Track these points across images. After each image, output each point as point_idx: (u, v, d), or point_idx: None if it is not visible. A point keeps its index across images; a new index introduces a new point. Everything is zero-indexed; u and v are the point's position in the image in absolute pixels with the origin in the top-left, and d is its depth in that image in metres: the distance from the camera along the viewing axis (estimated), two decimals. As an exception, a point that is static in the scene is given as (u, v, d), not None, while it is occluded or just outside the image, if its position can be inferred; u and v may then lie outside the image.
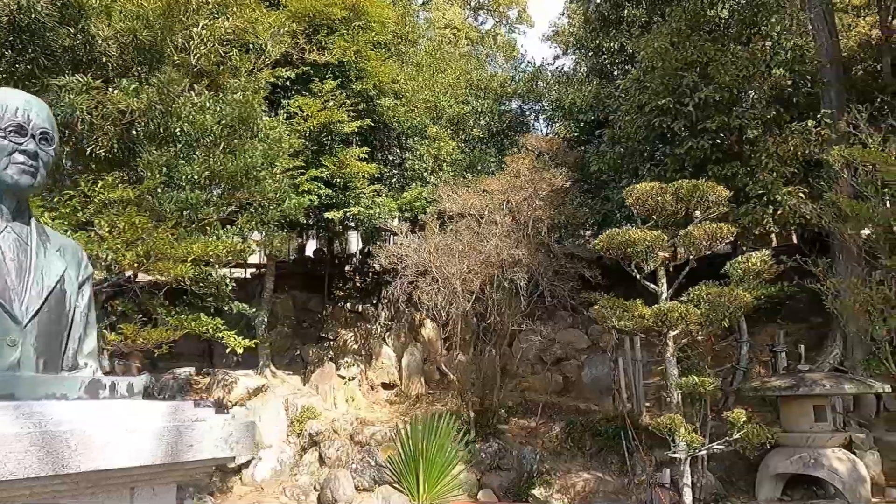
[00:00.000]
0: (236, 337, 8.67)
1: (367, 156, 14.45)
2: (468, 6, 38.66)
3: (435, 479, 7.18)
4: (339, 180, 13.93)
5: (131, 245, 7.36)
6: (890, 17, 16.36)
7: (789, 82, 12.05)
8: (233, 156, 8.97)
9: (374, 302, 17.23)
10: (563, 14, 28.43)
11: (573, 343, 17.64)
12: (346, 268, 19.19)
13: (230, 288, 8.92)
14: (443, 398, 15.64)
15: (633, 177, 12.46)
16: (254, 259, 18.10)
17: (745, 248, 12.54)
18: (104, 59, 7.77)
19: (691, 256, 8.56)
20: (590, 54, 18.61)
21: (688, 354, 11.84)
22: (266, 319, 15.29)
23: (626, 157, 13.16)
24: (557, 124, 17.87)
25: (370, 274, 16.67)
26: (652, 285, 8.95)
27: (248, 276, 20.46)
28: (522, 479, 12.00)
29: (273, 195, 9.41)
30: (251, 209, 9.40)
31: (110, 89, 7.72)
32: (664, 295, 8.71)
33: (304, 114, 13.59)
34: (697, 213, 8.73)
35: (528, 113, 17.59)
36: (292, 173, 14.17)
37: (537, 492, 11.67)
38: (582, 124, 16.88)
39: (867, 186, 8.37)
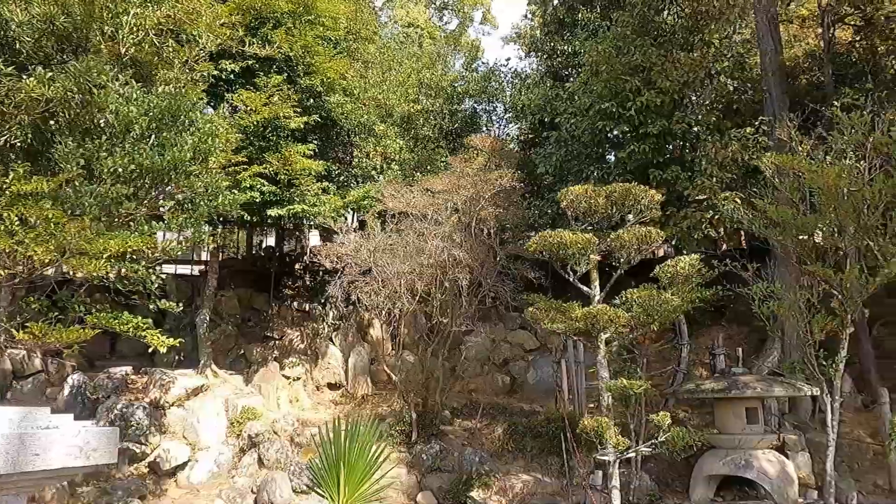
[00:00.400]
0: (159, 336, 8.39)
1: (313, 153, 14.23)
2: (433, 5, 38.51)
3: (356, 483, 7.04)
4: (283, 177, 13.67)
5: (43, 240, 7.05)
6: (832, 30, 16.79)
7: (731, 89, 12.25)
8: (161, 149, 8.69)
9: (322, 301, 16.99)
10: (525, 16, 28.55)
11: (522, 344, 17.69)
12: (297, 266, 18.90)
13: (156, 286, 8.62)
14: (389, 399, 15.50)
15: (579, 179, 12.51)
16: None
17: (686, 252, 12.67)
18: (18, 45, 7.43)
19: (622, 260, 8.60)
20: (545, 57, 18.69)
21: (633, 356, 11.97)
22: (208, 317, 14.94)
23: (571, 159, 13.21)
24: (511, 126, 17.89)
25: (319, 272, 16.41)
26: (585, 287, 8.98)
27: (196, 273, 20.02)
28: (462, 481, 11.93)
29: (203, 191, 9.13)
30: (180, 204, 9.13)
31: (24, 77, 7.38)
32: (597, 297, 8.73)
33: (248, 108, 13.30)
34: (630, 216, 8.78)
35: (480, 113, 17.57)
36: (235, 169, 13.87)
37: (476, 494, 11.62)
38: (533, 126, 16.93)
39: (793, 193, 8.53)
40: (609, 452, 8.50)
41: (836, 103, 9.35)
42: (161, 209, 9.12)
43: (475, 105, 17.52)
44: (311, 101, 14.78)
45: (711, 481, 11.16)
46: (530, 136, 16.32)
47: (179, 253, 11.98)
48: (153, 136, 8.81)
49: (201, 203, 9.42)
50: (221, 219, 11.83)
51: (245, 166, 12.89)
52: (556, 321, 8.57)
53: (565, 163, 13.29)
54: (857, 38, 17.42)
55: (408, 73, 15.67)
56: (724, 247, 20.18)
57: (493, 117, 17.89)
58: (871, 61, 15.36)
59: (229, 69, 13.54)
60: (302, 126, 14.06)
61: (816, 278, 8.53)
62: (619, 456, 8.51)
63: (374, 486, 7.00)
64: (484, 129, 17.99)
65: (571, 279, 8.87)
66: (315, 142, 15.00)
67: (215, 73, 13.53)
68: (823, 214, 8.32)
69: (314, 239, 21.34)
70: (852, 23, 17.65)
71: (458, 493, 11.80)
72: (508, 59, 44.04)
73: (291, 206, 13.68)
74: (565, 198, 8.91)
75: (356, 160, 14.77)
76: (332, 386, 16.25)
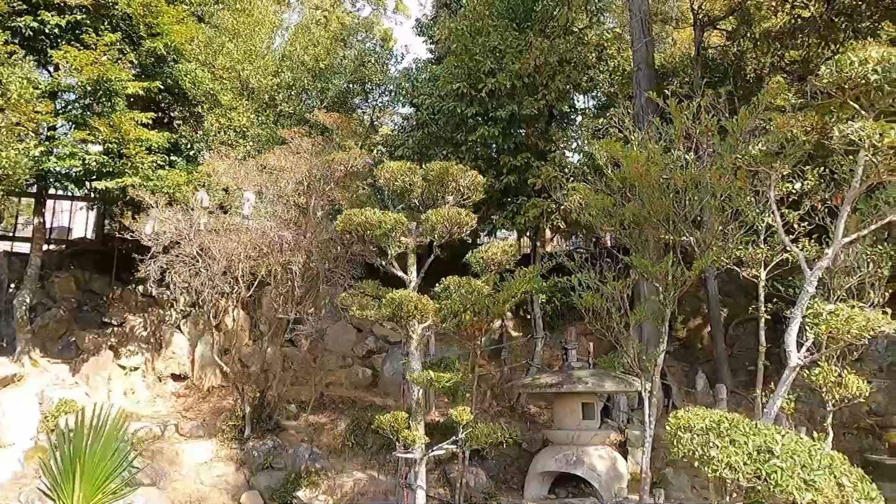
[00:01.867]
0: None
1: (152, 121, 13.00)
2: (345, -10, 37.26)
3: (97, 486, 6.11)
4: (113, 146, 12.38)
5: None
6: (702, 32, 17.05)
7: (584, 78, 11.99)
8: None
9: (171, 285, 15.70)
10: (420, 3, 27.93)
11: (388, 336, 17.03)
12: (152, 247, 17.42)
13: None
14: (249, 392, 14.49)
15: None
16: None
17: (552, 240, 12.32)
18: None
19: (434, 242, 8.04)
20: (429, 41, 18.11)
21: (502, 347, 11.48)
22: (28, 300, 13.42)
23: (429, 143, 12.64)
24: (388, 109, 17.16)
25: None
26: (402, 273, 8.38)
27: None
28: (289, 480, 11.14)
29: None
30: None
31: None
32: (412, 283, 8.14)
33: (72, 66, 11.94)
34: (450, 197, 8.24)
35: (356, 95, 16.72)
36: (52, 133, 12.47)
37: (302, 493, 10.85)
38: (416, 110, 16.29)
39: (615, 181, 8.24)
40: (416, 450, 7.94)
41: (696, 101, 9.08)
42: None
43: (350, 85, 16.63)
44: (156, 66, 13.53)
45: (546, 478, 10.86)
46: (401, 117, 15.67)
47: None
48: None
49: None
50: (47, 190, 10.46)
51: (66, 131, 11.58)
52: (367, 308, 7.91)
53: (423, 146, 12.70)
54: (727, 43, 17.80)
55: (267, 43, 14.62)
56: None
57: (370, 100, 17.09)
58: (735, 65, 15.66)
59: (53, 22, 12.13)
60: (142, 92, 12.81)
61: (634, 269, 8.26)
62: (425, 454, 7.95)
63: (113, 488, 6.08)
64: (359, 110, 17.18)
65: (383, 263, 8.25)
66: (159, 111, 13.77)
67: (34, 25, 12.13)
68: (643, 203, 8.05)
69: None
70: (724, 28, 18.05)
71: (284, 493, 11.00)
72: (406, 45, 43.36)
73: (122, 179, 12.40)
74: (381, 174, 8.26)
75: (206, 133, 13.62)
76: (176, 377, 15.03)
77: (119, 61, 12.37)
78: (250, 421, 12.24)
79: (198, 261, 10.23)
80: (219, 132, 13.52)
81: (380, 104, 17.05)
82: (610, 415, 13.13)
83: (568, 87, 11.43)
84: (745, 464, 4.70)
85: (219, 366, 15.38)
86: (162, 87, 13.31)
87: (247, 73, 13.79)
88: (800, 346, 6.15)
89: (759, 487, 4.59)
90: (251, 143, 13.92)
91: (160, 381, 14.93)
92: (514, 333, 17.47)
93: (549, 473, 10.84)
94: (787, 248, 6.23)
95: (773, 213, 6.11)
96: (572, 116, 13.02)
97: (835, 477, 4.83)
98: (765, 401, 8.23)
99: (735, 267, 8.77)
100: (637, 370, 8.86)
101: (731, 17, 16.78)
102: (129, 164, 12.48)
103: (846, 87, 5.40)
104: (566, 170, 11.00)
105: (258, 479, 11.53)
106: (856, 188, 5.57)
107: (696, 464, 4.97)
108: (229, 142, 13.87)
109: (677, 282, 8.20)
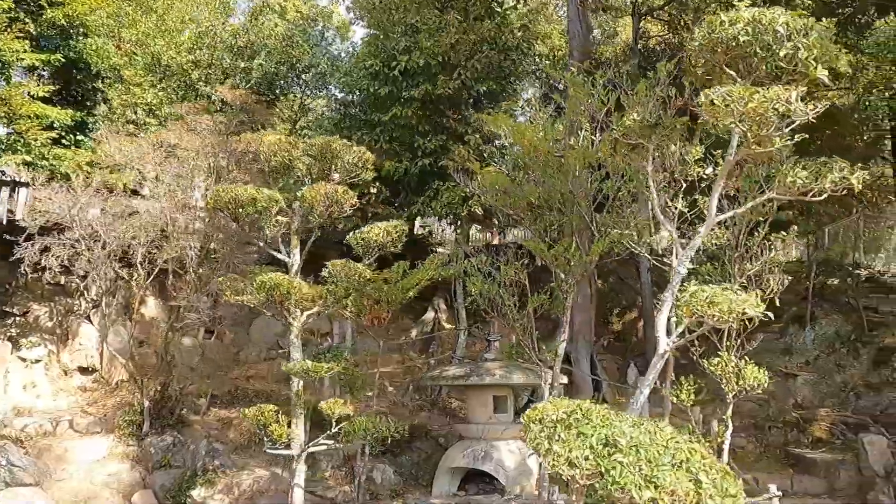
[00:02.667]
0: None
1: (51, 96, 12.17)
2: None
3: None
4: (2, 121, 11.54)
5: None
6: (640, 20, 16.79)
7: (505, 60, 11.52)
8: None
9: (83, 274, 14.84)
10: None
11: (319, 328, 16.43)
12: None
13: None
14: (150, 385, 13.73)
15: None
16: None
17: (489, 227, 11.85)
18: None
19: (314, 223, 7.47)
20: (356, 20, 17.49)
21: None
22: (-88, 286, 12.50)
23: (344, 125, 12.06)
24: (318, 91, 16.50)
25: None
26: (283, 255, 7.81)
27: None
28: (186, 478, 10.49)
29: None
30: None
31: None
32: (294, 267, 7.58)
33: (-46, 34, 11.07)
34: (336, 175, 7.70)
35: (281, 75, 15.99)
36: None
37: (197, 493, 10.21)
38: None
39: (515, 160, 7.80)
40: (294, 446, 7.39)
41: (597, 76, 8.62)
42: None
43: (279, 67, 15.89)
44: (59, 37, 12.69)
45: (455, 474, 10.40)
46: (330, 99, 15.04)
47: None
48: None
49: None
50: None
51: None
52: (242, 293, 7.32)
53: (338, 128, 12.11)
54: (665, 33, 17.57)
55: (181, 19, 13.83)
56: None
57: (300, 82, 16.37)
58: (668, 53, 15.41)
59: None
60: (39, 64, 11.98)
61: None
62: (304, 449, 7.41)
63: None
64: (290, 94, 16.47)
65: (261, 244, 7.67)
66: (66, 86, 12.92)
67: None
68: (544, 184, 7.62)
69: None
70: (662, 17, 17.81)
71: (179, 492, 10.35)
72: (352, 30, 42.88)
73: (13, 156, 11.57)
74: (260, 148, 7.66)
75: (112, 111, 12.82)
76: (84, 370, 14.18)
77: (11, 30, 11.53)
78: (149, 416, 11.54)
79: (80, 244, 9.50)
80: (125, 110, 12.72)
81: (311, 86, 16.36)
82: (533, 408, 12.75)
83: (488, 68, 10.93)
84: (585, 458, 4.26)
85: (135, 358, 14.61)
86: (63, 60, 12.48)
87: (158, 49, 13.01)
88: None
89: (597, 485, 4.16)
90: (161, 123, 13.16)
91: (66, 374, 14.07)
92: (448, 325, 17.00)
93: (458, 469, 10.38)
94: (666, 228, 5.82)
95: (648, 187, 5.70)
96: (501, 101, 12.54)
97: (692, 473, 4.41)
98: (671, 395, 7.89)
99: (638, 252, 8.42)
100: (537, 361, 8.43)
101: (670, 6, 16.54)
102: (21, 140, 11.66)
103: (718, 51, 5.00)
104: (484, 154, 10.55)
105: (154, 477, 10.85)
106: (729, 161, 5.18)
107: (542, 458, 4.52)
108: (138, 120, 13.09)
109: (577, 267, 7.78)
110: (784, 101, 4.52)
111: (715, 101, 4.68)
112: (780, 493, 7.52)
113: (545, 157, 7.23)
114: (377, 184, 11.88)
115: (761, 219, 7.53)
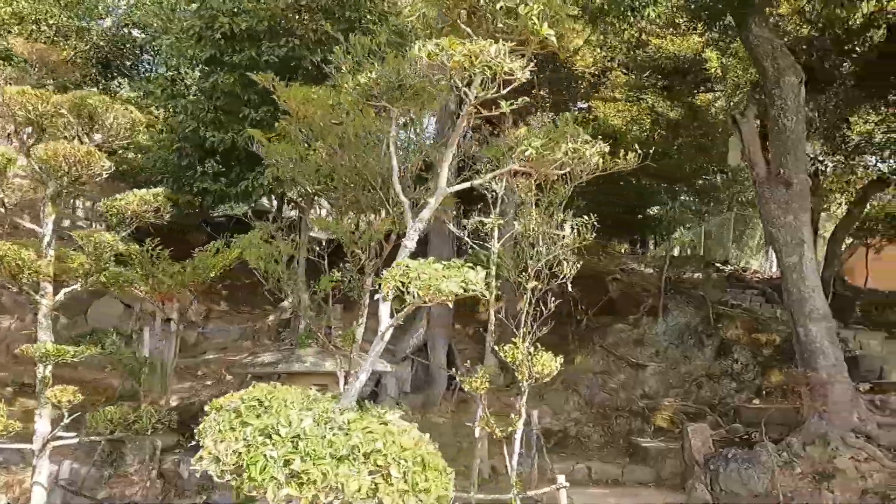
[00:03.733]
0: None
1: None
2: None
3: None
4: None
5: None
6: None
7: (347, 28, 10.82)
8: None
9: None
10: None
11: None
12: None
13: None
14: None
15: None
16: None
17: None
18: None
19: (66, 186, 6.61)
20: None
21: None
22: None
23: (174, 87, 11.12)
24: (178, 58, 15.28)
25: None
26: (37, 227, 6.92)
27: None
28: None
29: None
30: None
31: None
32: (46, 238, 6.70)
33: None
34: (97, 136, 6.90)
35: (128, 39, 14.67)
36: None
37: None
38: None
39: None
40: (36, 440, 6.55)
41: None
42: None
43: (126, 30, 14.58)
44: None
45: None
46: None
47: None
48: None
49: None
50: None
51: None
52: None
53: (170, 96, 11.14)
54: None
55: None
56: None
57: (153, 47, 15.10)
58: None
59: None
60: None
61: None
62: (46, 441, 6.58)
63: None
64: (147, 60, 15.22)
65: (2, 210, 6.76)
66: None
67: None
68: (331, 158, 7.05)
69: None
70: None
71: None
72: None
73: None
74: (3, 100, 6.73)
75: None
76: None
77: None
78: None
79: None
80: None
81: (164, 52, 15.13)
82: (376, 400, 12.26)
83: (321, 36, 10.24)
84: (234, 452, 3.72)
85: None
86: None
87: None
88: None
89: (234, 483, 3.63)
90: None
91: None
92: (311, 313, 16.28)
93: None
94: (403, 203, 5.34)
95: (391, 158, 5.25)
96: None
97: (380, 466, 3.95)
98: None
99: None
100: (332, 347, 7.89)
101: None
102: None
103: (454, 6, 4.56)
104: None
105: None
106: (461, 126, 4.79)
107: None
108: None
109: (369, 246, 7.28)
110: (492, 55, 4.12)
111: (431, 55, 4.24)
112: (566, 484, 7.30)
113: (325, 127, 6.69)
114: (209, 159, 10.98)
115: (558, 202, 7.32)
